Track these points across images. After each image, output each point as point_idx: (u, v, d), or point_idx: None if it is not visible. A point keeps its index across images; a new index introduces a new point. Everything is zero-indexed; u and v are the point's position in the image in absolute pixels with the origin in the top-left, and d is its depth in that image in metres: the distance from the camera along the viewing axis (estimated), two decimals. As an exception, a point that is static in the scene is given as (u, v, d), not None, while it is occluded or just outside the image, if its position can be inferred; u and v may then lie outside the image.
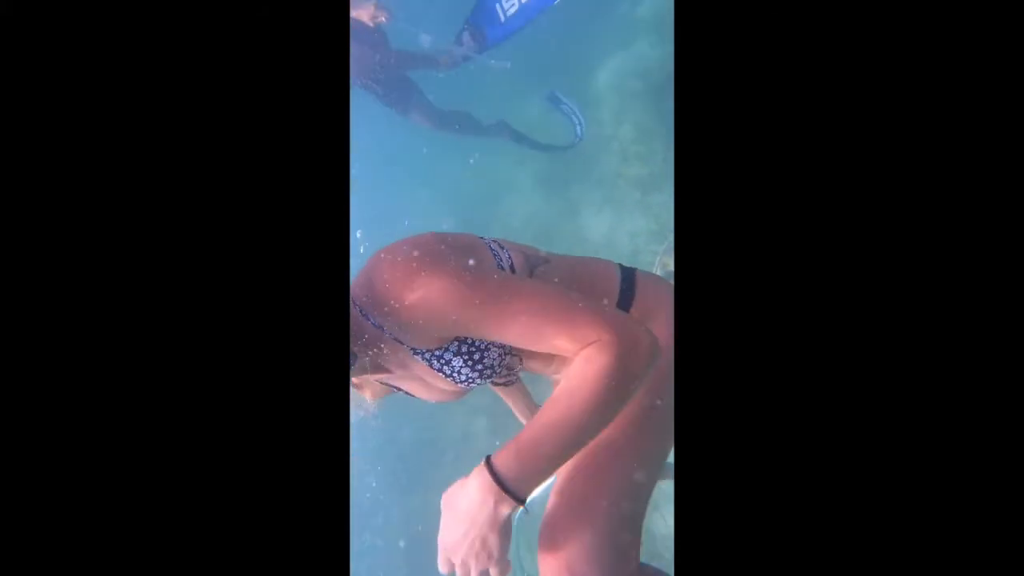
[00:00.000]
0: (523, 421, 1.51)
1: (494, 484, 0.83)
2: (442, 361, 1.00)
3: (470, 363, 1.01)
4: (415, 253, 0.91)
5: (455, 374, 1.02)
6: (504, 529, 0.84)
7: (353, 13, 3.29)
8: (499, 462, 0.84)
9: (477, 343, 1.00)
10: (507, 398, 1.51)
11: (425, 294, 0.89)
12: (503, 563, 0.86)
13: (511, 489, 0.83)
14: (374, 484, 4.47)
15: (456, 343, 0.99)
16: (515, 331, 0.90)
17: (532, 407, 1.51)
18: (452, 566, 0.87)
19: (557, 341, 0.88)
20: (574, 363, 0.86)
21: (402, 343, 0.98)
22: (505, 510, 0.83)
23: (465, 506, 0.85)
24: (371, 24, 3.26)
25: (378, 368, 1.06)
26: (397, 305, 0.90)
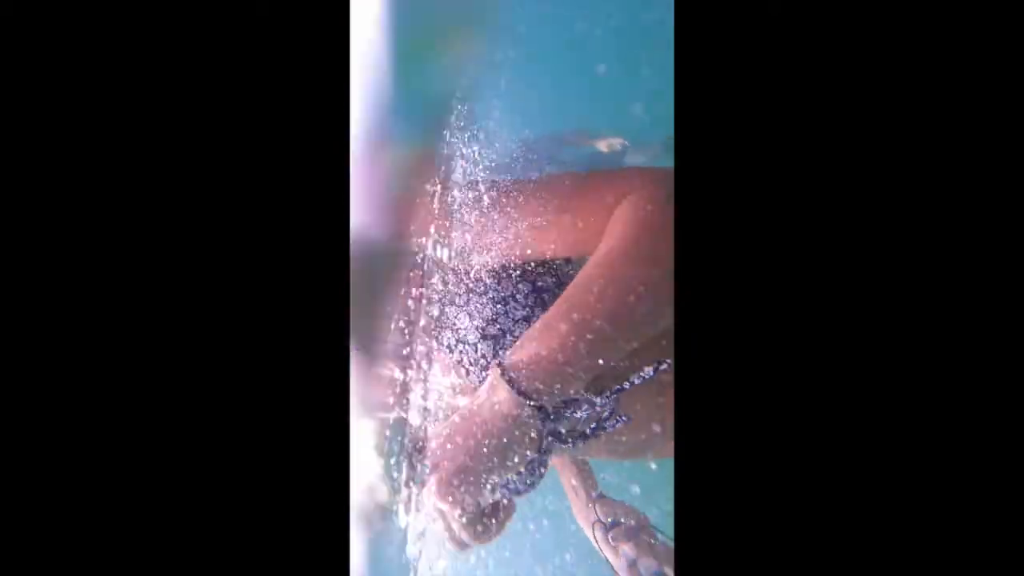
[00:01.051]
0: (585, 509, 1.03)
1: (497, 378, 0.56)
2: None
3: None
4: None
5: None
6: (502, 440, 0.55)
7: (591, 142, 3.19)
8: (508, 359, 0.58)
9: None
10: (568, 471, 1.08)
11: None
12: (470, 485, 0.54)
13: (512, 376, 0.56)
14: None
15: None
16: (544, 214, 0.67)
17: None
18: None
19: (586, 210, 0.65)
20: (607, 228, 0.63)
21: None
22: (505, 406, 0.55)
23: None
24: (607, 151, 3.17)
25: None
26: None
